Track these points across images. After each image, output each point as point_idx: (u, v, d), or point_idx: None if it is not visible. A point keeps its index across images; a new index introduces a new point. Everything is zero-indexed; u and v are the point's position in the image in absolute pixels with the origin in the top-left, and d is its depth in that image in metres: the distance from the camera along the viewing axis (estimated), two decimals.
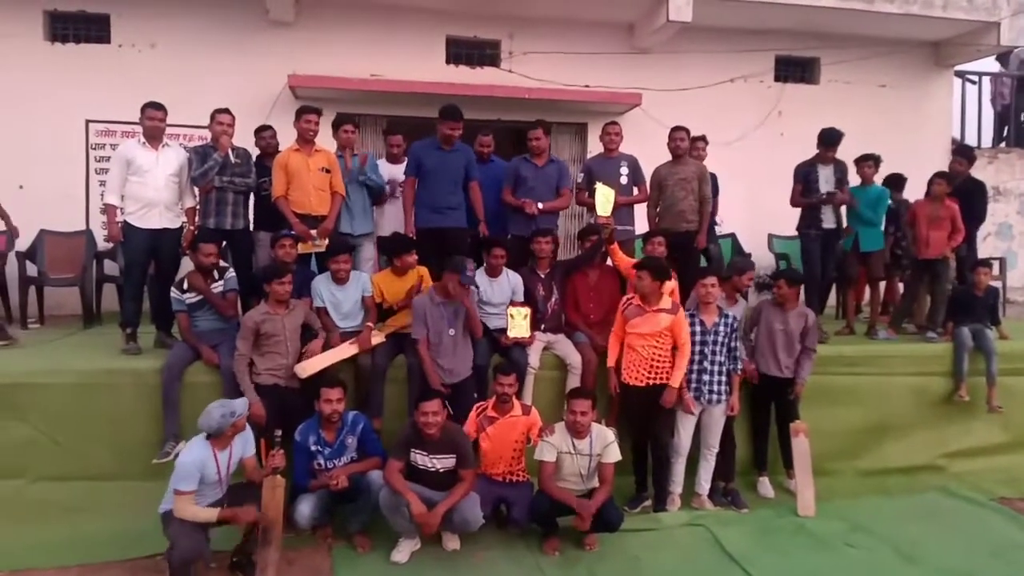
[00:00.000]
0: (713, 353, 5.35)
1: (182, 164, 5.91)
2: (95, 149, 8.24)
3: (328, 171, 6.04)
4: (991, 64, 11.25)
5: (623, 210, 6.52)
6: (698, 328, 5.33)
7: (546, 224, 6.25)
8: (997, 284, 7.47)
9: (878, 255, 7.19)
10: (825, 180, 6.75)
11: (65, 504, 4.98)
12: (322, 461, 4.66)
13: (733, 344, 5.43)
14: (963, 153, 7.90)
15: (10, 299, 7.48)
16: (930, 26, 9.59)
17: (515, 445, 4.94)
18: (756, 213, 8.72)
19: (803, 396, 5.75)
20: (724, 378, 5.40)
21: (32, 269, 7.49)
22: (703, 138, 7.50)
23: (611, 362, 5.39)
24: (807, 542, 5.00)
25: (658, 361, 5.19)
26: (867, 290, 7.75)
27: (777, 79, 10.07)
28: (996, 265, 8.86)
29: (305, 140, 6.01)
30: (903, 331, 7.24)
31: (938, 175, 7.04)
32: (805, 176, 6.85)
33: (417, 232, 6.03)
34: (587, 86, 9.28)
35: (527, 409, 5.04)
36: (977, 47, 9.91)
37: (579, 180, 6.81)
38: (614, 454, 4.77)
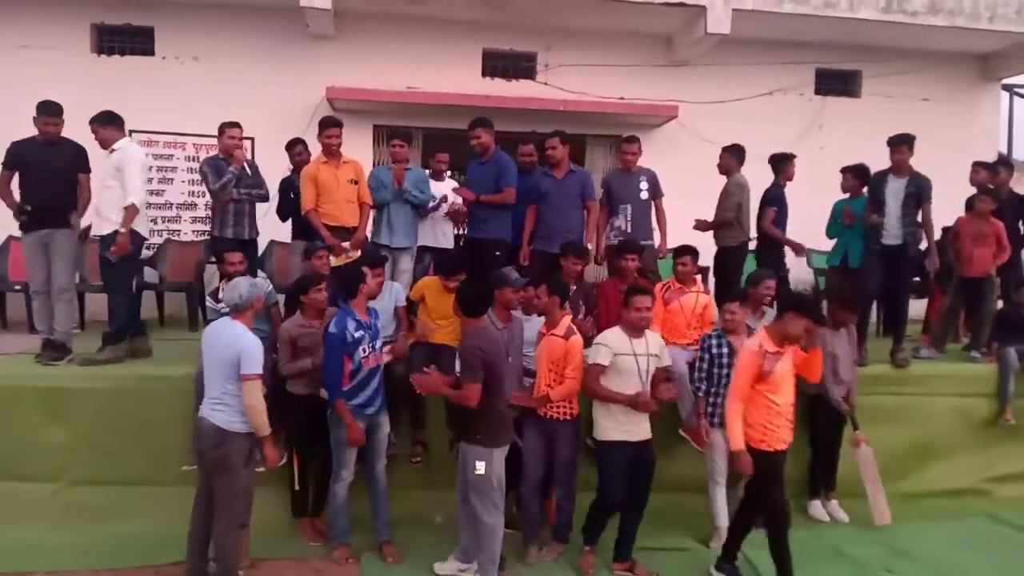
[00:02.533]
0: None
1: (118, 166, 5.65)
2: None
3: (356, 182, 6.09)
4: None
5: (645, 224, 6.53)
6: (725, 351, 5.10)
7: (574, 240, 6.13)
8: None
9: None
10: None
11: (99, 508, 5.07)
12: (367, 347, 4.67)
13: None
14: (1003, 161, 7.71)
15: None
16: (976, 38, 9.37)
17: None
18: (794, 227, 8.55)
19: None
20: None
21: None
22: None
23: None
24: (845, 567, 4.89)
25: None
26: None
27: (818, 92, 9.93)
28: None
29: (330, 153, 6.05)
30: (945, 351, 7.05)
31: (983, 191, 6.86)
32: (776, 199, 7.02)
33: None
34: (623, 98, 9.24)
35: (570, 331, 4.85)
36: None
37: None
38: (667, 357, 4.86)
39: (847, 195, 7.00)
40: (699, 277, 6.07)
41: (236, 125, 6.31)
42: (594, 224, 6.54)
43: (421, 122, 9.00)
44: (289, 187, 6.59)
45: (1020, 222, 7.12)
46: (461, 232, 7.23)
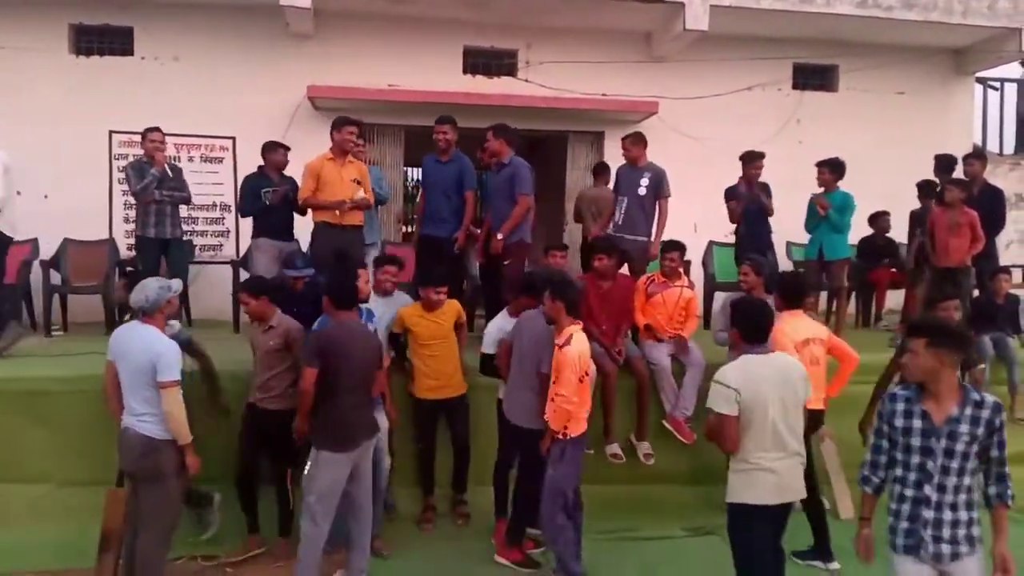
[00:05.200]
0: (945, 471, 2.98)
1: None
2: (118, 159, 8.36)
3: (359, 183, 6.15)
4: (1015, 70, 11.14)
5: (640, 220, 6.54)
6: (918, 424, 3.03)
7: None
8: (1020, 292, 7.38)
9: (840, 264, 7.12)
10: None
11: (92, 508, 5.01)
12: None
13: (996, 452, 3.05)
14: (976, 153, 7.87)
15: (35, 307, 7.62)
16: (950, 33, 9.52)
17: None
18: (774, 220, 8.69)
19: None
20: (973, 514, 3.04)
21: (56, 277, 7.61)
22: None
23: None
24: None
25: None
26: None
27: (795, 87, 10.03)
28: (1020, 273, 8.76)
29: (343, 151, 6.09)
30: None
31: (950, 182, 6.98)
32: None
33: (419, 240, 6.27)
34: (604, 95, 9.30)
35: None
36: (999, 54, 9.83)
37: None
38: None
39: (822, 189, 7.10)
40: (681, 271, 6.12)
41: (157, 129, 6.60)
42: (518, 215, 6.20)
43: (403, 120, 9.03)
44: (255, 186, 6.57)
45: (994, 212, 7.25)
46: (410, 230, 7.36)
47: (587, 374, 4.42)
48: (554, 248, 6.10)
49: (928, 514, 2.99)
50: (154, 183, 6.43)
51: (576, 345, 4.31)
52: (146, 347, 3.95)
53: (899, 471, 3.09)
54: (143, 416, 3.96)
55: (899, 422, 3.06)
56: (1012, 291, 7.00)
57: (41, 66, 8.38)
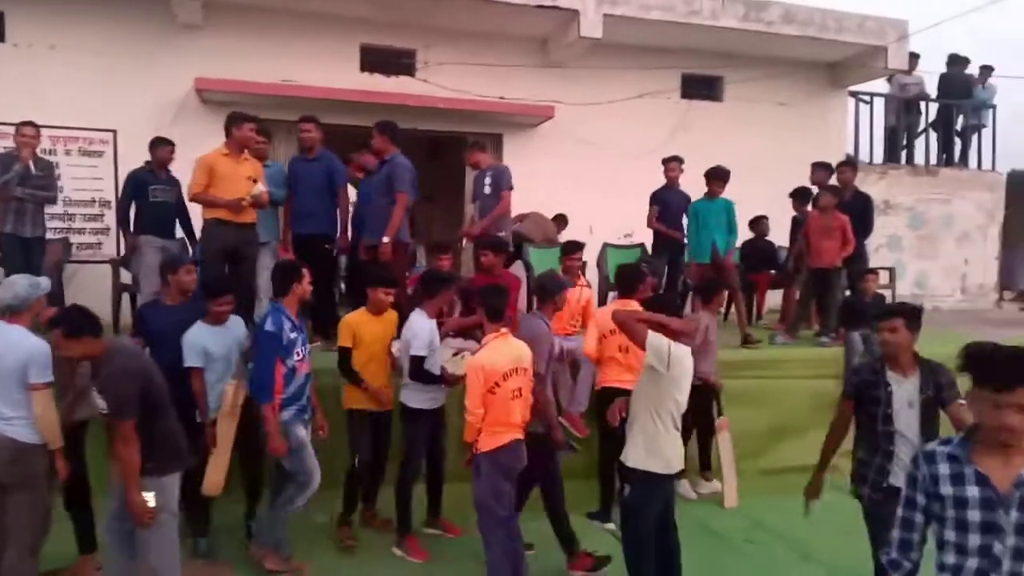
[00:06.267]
0: (1020, 556, 2.20)
1: None
2: None
3: (255, 180, 5.95)
4: (885, 85, 11.93)
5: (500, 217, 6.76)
6: (974, 492, 2.25)
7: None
8: (886, 292, 7.93)
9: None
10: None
11: None
12: (300, 349, 4.48)
13: None
14: (848, 162, 8.41)
15: None
16: (825, 48, 10.13)
17: None
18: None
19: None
20: None
21: None
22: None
23: None
24: (709, 540, 5.19)
25: None
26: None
27: (684, 96, 10.43)
28: (887, 275, 9.39)
29: (241, 147, 5.92)
30: (798, 337, 7.60)
31: (824, 188, 7.44)
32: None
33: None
34: (502, 98, 9.40)
35: None
36: (868, 69, 10.56)
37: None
38: None
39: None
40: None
41: (31, 124, 6.31)
42: (399, 215, 6.09)
43: (297, 116, 8.80)
44: (139, 183, 6.46)
45: (864, 217, 7.75)
46: None
47: (498, 385, 4.12)
48: (439, 250, 6.02)
49: None
50: (16, 179, 6.12)
51: (484, 355, 4.21)
52: (15, 348, 3.74)
53: (950, 557, 2.26)
54: (12, 420, 3.74)
55: (947, 490, 2.26)
56: (879, 291, 7.50)
57: None
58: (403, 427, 4.89)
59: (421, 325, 4.77)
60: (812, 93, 10.88)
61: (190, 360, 4.46)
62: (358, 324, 4.83)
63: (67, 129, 7.97)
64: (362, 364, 4.81)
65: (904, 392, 3.62)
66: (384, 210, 6.07)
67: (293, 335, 4.40)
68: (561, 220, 8.89)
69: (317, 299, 5.61)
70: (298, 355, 4.44)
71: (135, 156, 6.93)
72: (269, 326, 4.32)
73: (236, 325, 4.76)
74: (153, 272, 6.06)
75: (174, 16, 8.20)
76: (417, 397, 4.81)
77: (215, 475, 4.44)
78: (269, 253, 6.39)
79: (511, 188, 6.75)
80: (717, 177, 7.40)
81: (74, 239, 8.04)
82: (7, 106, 7.61)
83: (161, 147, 6.53)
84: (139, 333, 4.75)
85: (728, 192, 7.57)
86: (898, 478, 3.49)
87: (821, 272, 7.27)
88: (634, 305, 4.96)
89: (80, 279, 7.78)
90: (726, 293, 7.32)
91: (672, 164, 7.75)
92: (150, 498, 3.63)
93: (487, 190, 6.76)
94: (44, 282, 4.11)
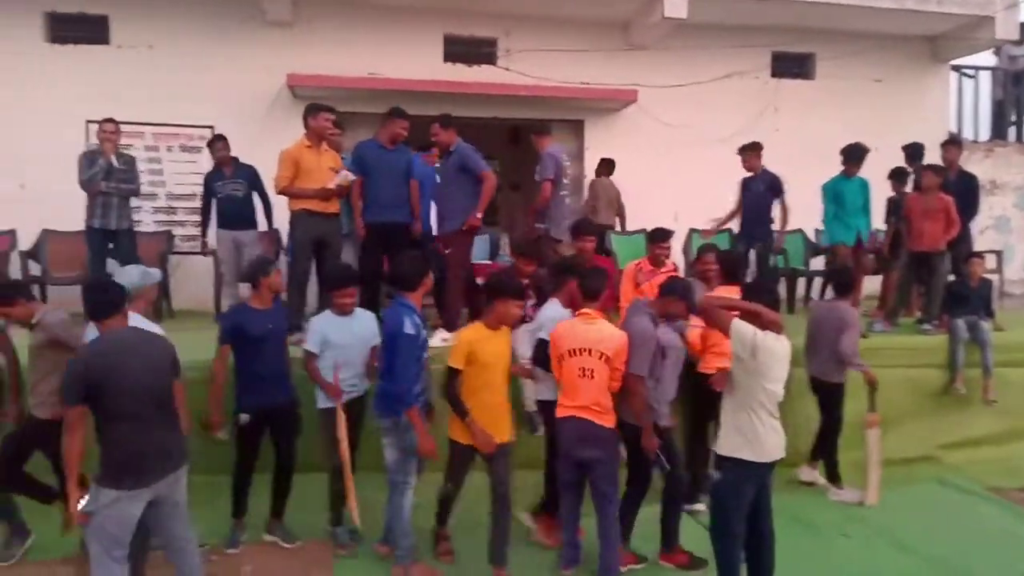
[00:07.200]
0: None
1: None
2: None
3: (336, 171, 6.08)
4: (990, 58, 11.28)
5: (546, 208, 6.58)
6: None
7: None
8: (993, 277, 7.52)
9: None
10: None
11: None
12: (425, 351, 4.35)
13: None
14: (952, 140, 8.01)
15: None
16: (925, 20, 9.62)
17: None
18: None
19: (803, 392, 5.79)
20: None
21: (36, 268, 7.56)
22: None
23: None
24: (803, 531, 5.05)
25: None
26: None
27: (773, 75, 10.11)
28: (994, 258, 8.91)
29: (320, 137, 6.05)
30: (898, 324, 7.29)
31: (925, 167, 7.08)
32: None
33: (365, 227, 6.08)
34: (583, 83, 9.32)
35: None
36: (972, 41, 9.96)
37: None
38: None
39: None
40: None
41: (111, 120, 6.64)
42: (488, 192, 6.14)
43: (383, 108, 8.91)
44: (207, 182, 7.08)
45: (969, 198, 7.36)
46: None
47: (562, 358, 4.22)
48: (525, 258, 5.35)
49: None
50: (101, 174, 6.45)
51: (560, 327, 4.32)
52: None
53: None
54: None
55: None
56: (985, 276, 7.11)
57: (16, 54, 8.26)
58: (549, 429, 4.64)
59: (558, 312, 4.57)
60: (911, 68, 10.36)
61: (309, 344, 4.51)
62: (476, 341, 4.15)
63: (168, 126, 8.38)
64: (473, 391, 4.17)
65: None
66: (457, 199, 6.10)
67: (424, 332, 4.28)
68: (606, 165, 8.85)
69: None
70: (427, 350, 4.39)
71: (232, 151, 7.20)
72: (409, 328, 4.11)
73: (365, 320, 4.65)
74: (226, 263, 6.83)
75: (264, 13, 8.46)
76: (550, 387, 4.55)
77: (353, 503, 4.45)
78: (350, 243, 6.46)
79: (551, 177, 6.50)
80: (854, 156, 7.16)
81: (177, 231, 8.46)
82: (112, 105, 8.02)
83: (213, 145, 6.99)
84: (230, 339, 4.43)
85: (820, 173, 7.32)
86: None
87: (923, 256, 6.93)
88: (737, 292, 4.85)
89: (183, 269, 8.19)
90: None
91: (746, 155, 7.40)
92: (83, 502, 3.28)
93: (536, 177, 6.64)
94: (156, 272, 4.34)
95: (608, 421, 4.21)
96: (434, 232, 6.51)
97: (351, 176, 6.00)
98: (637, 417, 4.29)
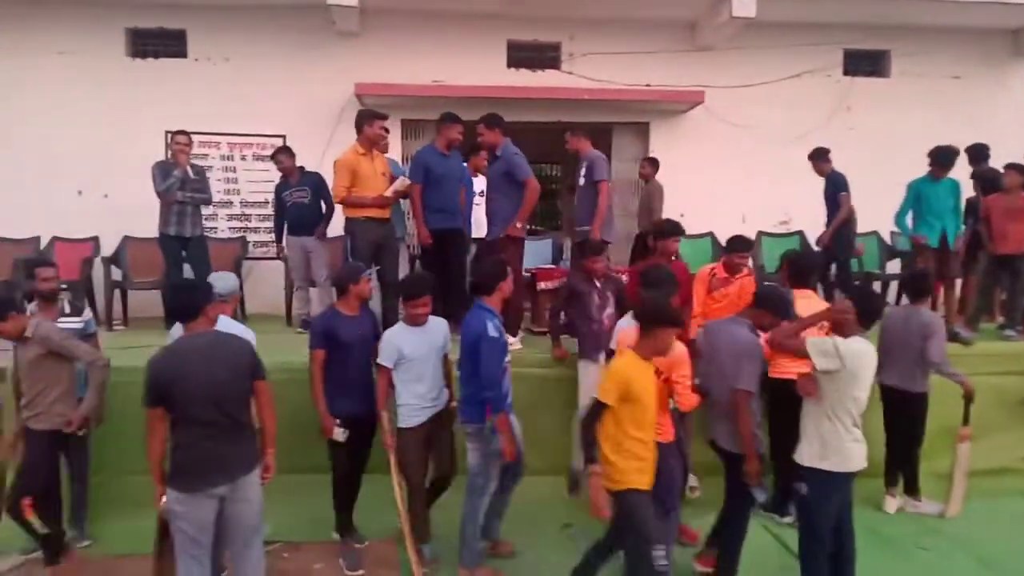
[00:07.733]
0: None
1: None
2: None
3: (386, 176, 6.25)
4: None
5: (583, 208, 6.47)
6: None
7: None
8: None
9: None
10: None
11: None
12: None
13: None
14: None
15: (96, 303, 7.90)
16: (1006, 13, 9.21)
17: None
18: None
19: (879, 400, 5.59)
20: None
21: (117, 274, 7.90)
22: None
23: None
24: (877, 544, 4.90)
25: None
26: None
27: (846, 73, 9.82)
28: None
29: (373, 144, 6.18)
30: (979, 330, 6.99)
31: (1008, 166, 6.78)
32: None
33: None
34: (648, 85, 9.25)
35: None
36: None
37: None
38: None
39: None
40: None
41: (183, 132, 6.90)
42: (531, 201, 6.08)
43: None
44: (276, 192, 7.42)
45: None
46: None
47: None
48: (593, 252, 5.45)
49: None
50: (176, 184, 6.75)
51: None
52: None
53: None
54: None
55: None
56: None
57: (99, 69, 8.66)
58: None
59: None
60: (992, 64, 9.93)
61: (382, 358, 4.40)
62: (633, 374, 3.61)
63: (242, 136, 8.66)
64: (624, 431, 3.64)
65: None
66: (502, 205, 6.06)
67: (505, 335, 4.28)
68: (654, 164, 8.70)
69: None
70: (508, 354, 4.36)
71: (302, 159, 7.42)
72: (492, 331, 4.09)
73: (437, 327, 4.57)
74: (296, 268, 7.20)
75: (333, 24, 8.66)
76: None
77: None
78: (403, 249, 6.68)
79: (607, 179, 6.40)
80: (942, 160, 6.82)
81: (250, 238, 8.75)
82: (191, 116, 8.35)
83: (276, 157, 7.31)
84: (323, 344, 4.45)
85: (896, 174, 7.08)
86: None
87: (1006, 259, 6.64)
88: (812, 296, 4.73)
89: (256, 275, 8.45)
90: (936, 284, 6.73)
91: (814, 163, 7.28)
92: (165, 500, 3.42)
93: (581, 180, 6.53)
94: (234, 279, 4.71)
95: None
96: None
97: (407, 181, 6.10)
98: (744, 439, 4.01)
